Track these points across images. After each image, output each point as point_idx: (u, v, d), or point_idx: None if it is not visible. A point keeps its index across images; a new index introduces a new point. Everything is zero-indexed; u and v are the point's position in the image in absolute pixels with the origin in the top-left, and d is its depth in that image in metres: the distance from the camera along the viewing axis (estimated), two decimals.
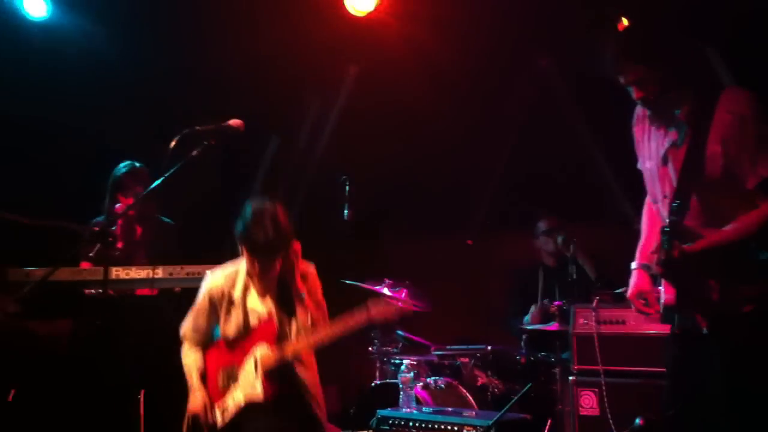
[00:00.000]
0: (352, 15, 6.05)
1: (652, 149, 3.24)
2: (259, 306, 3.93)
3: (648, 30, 3.14)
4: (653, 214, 3.39)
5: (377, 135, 6.70)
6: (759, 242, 2.99)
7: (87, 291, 4.48)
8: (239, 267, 3.99)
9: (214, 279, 3.98)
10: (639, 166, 3.42)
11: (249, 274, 3.93)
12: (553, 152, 6.45)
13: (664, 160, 3.15)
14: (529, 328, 5.32)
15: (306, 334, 3.84)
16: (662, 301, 3.14)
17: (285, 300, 3.94)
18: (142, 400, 4.26)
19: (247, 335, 3.90)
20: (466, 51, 6.17)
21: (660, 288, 3.18)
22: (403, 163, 6.88)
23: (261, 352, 3.82)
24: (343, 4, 5.99)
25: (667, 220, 3.07)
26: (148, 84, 6.38)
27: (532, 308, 6.02)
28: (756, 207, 2.97)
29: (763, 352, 2.98)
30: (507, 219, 7.09)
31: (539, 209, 6.23)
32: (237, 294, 3.94)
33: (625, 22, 5.32)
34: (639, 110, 3.37)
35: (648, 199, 3.44)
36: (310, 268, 4.07)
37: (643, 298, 3.27)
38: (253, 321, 3.91)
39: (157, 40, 6.26)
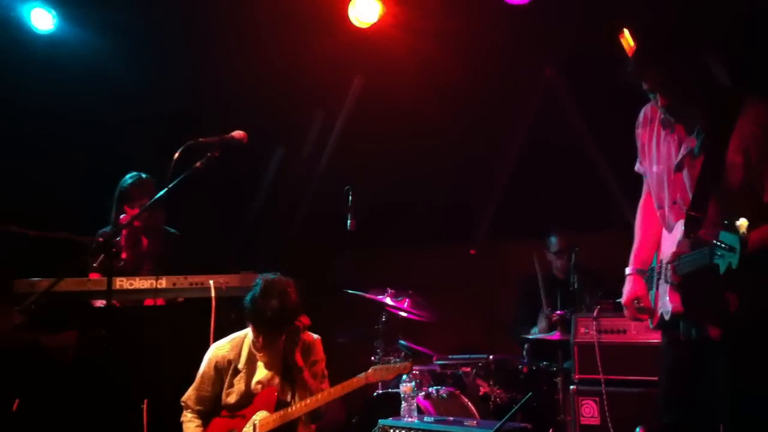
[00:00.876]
0: (356, 27, 6.11)
1: (662, 153, 3.22)
2: (262, 376, 4.05)
3: (672, 35, 3.07)
4: (649, 219, 3.38)
5: (381, 145, 6.74)
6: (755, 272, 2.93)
7: (95, 302, 4.51)
8: (245, 337, 4.11)
9: (220, 348, 4.11)
10: (637, 168, 3.41)
11: (254, 345, 4.05)
12: (557, 161, 6.47)
13: (679, 167, 3.13)
14: (531, 337, 5.33)
15: (304, 403, 3.95)
16: (668, 309, 3.11)
17: (287, 371, 4.06)
18: (145, 410, 4.28)
19: (249, 403, 4.03)
20: (469, 61, 6.21)
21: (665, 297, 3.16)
22: (407, 173, 6.91)
23: (260, 417, 3.94)
24: (347, 16, 6.04)
25: (683, 228, 3.04)
26: (154, 97, 6.43)
27: (541, 319, 6.04)
28: None
29: (764, 361, 2.97)
30: (511, 229, 7.11)
31: (554, 225, 6.22)
32: (242, 363, 4.07)
33: (627, 35, 5.35)
34: (645, 112, 3.35)
35: (642, 203, 3.44)
36: (315, 340, 4.21)
37: (639, 305, 3.27)
38: (256, 389, 4.04)
39: (162, 53, 6.32)
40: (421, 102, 6.46)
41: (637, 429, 4.09)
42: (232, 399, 4.06)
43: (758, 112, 2.99)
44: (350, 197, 5.62)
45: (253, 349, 4.06)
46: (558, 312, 5.10)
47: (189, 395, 4.14)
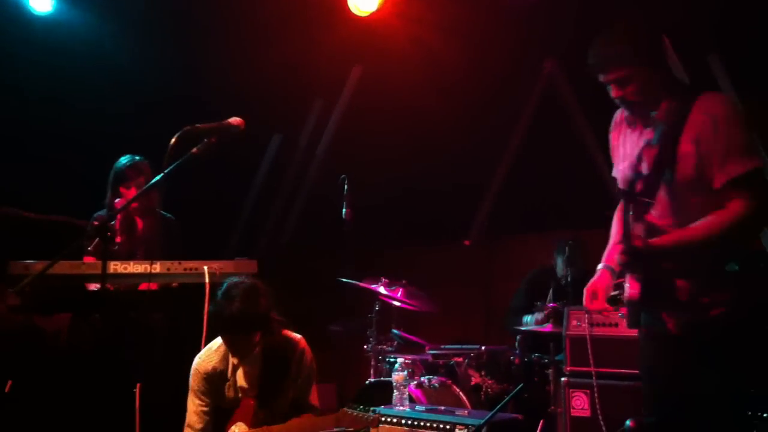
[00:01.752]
0: (356, 15, 6.10)
1: (627, 151, 3.30)
2: (241, 384, 3.93)
3: (632, 31, 3.15)
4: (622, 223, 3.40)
5: (380, 136, 6.74)
6: (728, 251, 3.04)
7: (89, 285, 4.52)
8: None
9: (206, 361, 3.96)
10: (614, 173, 3.46)
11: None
12: (557, 155, 6.48)
13: (639, 160, 3.19)
14: (523, 329, 5.35)
15: (282, 424, 3.79)
16: (626, 294, 3.16)
17: (266, 381, 3.91)
18: (138, 394, 4.29)
19: (232, 411, 3.91)
20: (469, 51, 6.21)
21: (625, 284, 3.20)
22: (406, 162, 6.91)
23: (239, 430, 3.83)
24: (347, 5, 6.03)
25: (631, 213, 3.11)
26: (153, 82, 6.43)
27: (537, 313, 6.06)
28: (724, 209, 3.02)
29: (729, 355, 3.03)
30: (509, 223, 7.12)
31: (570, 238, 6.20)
32: (230, 371, 3.95)
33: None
34: (617, 116, 3.43)
35: (619, 207, 3.48)
36: (297, 345, 4.02)
37: (594, 296, 3.32)
38: (238, 396, 3.92)
39: (162, 37, 6.31)
40: (420, 93, 6.47)
41: (627, 422, 4.11)
42: (222, 405, 3.96)
43: (709, 102, 3.07)
44: (345, 186, 5.63)
45: (231, 356, 3.94)
46: (551, 305, 5.11)
47: (191, 419, 3.96)
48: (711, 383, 3.03)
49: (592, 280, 3.39)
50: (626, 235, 3.05)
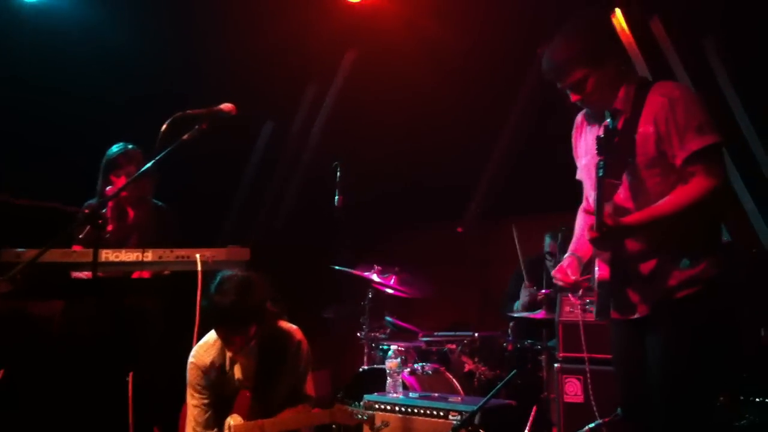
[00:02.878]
0: (349, 0, 6.06)
1: (588, 145, 3.36)
2: (239, 376, 3.93)
3: (576, 34, 3.23)
4: (587, 218, 3.48)
5: (374, 121, 6.72)
6: (696, 231, 3.08)
7: (75, 274, 4.49)
8: None
9: (203, 355, 3.94)
10: (577, 174, 3.53)
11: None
12: (553, 138, 6.45)
13: (599, 150, 3.22)
14: (516, 315, 5.36)
15: (278, 421, 3.77)
16: (595, 277, 3.20)
17: (263, 372, 3.89)
18: (130, 382, 4.28)
19: (230, 403, 3.89)
20: (464, 35, 6.17)
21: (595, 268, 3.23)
22: (400, 146, 6.89)
23: (234, 422, 3.83)
24: None
25: (595, 193, 3.14)
26: (145, 69, 6.38)
27: (524, 294, 6.04)
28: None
29: (699, 337, 3.05)
30: (504, 207, 7.11)
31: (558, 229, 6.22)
32: (226, 362, 3.94)
33: (618, 15, 5.34)
34: (578, 119, 3.51)
35: (583, 204, 3.56)
36: (293, 335, 4.00)
37: (565, 273, 3.37)
38: (236, 388, 3.91)
39: (154, 24, 6.25)
40: (415, 77, 6.44)
41: (620, 408, 4.12)
42: (221, 397, 3.94)
43: (665, 86, 3.17)
44: (338, 173, 5.61)
45: (226, 349, 3.92)
46: (543, 291, 5.12)
47: (193, 414, 3.93)
48: (682, 366, 3.05)
49: (561, 263, 3.44)
50: (598, 212, 3.06)
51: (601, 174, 3.07)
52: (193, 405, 3.94)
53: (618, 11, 5.44)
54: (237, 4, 6.06)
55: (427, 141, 6.89)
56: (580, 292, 4.35)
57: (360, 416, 3.73)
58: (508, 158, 7.14)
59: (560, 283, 3.41)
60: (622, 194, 3.18)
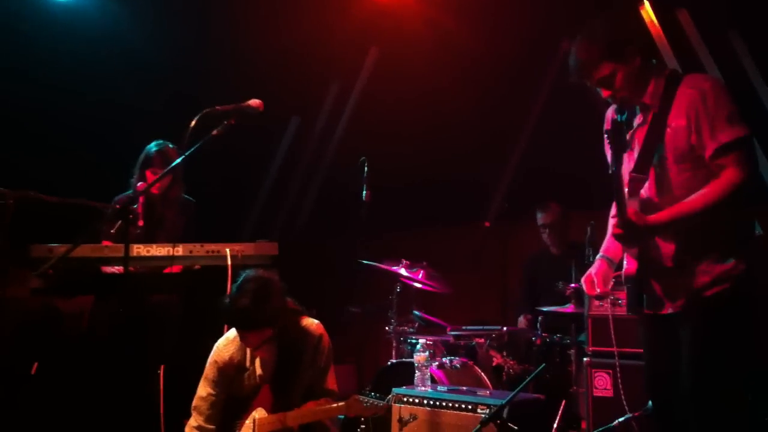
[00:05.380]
0: None
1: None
2: (260, 372, 3.97)
3: (599, 30, 3.22)
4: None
5: (397, 117, 6.71)
6: (727, 227, 3.05)
7: (105, 269, 4.53)
8: None
9: (224, 350, 4.01)
10: (611, 170, 3.48)
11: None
12: (574, 136, 6.42)
13: (629, 144, 3.23)
14: (545, 309, 5.34)
15: (299, 414, 3.82)
16: (623, 271, 3.19)
17: (284, 367, 3.94)
18: (162, 376, 4.31)
19: (252, 398, 3.94)
20: (485, 32, 6.16)
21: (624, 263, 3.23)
22: (422, 144, 6.89)
23: (259, 415, 3.88)
24: None
25: (626, 189, 3.14)
26: (173, 67, 6.43)
27: (520, 318, 6.09)
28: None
29: (727, 335, 3.03)
30: (526, 206, 7.08)
31: (540, 202, 6.23)
32: (248, 361, 3.99)
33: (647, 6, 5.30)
34: (608, 113, 3.47)
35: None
36: (315, 330, 4.03)
37: (592, 282, 3.34)
38: (257, 384, 3.96)
39: (181, 22, 6.29)
40: (437, 74, 6.44)
41: (650, 402, 4.10)
42: (236, 392, 4.00)
43: (695, 78, 3.16)
44: (365, 168, 5.62)
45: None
46: (573, 285, 5.09)
47: (198, 403, 4.01)
48: (713, 363, 3.03)
49: (590, 269, 3.42)
50: (620, 208, 3.05)
51: (614, 169, 3.07)
52: (201, 396, 4.01)
53: (646, 3, 5.40)
54: (262, 3, 6.09)
55: (448, 139, 6.88)
56: (610, 298, 4.37)
57: (366, 404, 3.77)
58: (529, 156, 7.12)
59: (589, 294, 3.40)
60: (651, 189, 3.16)
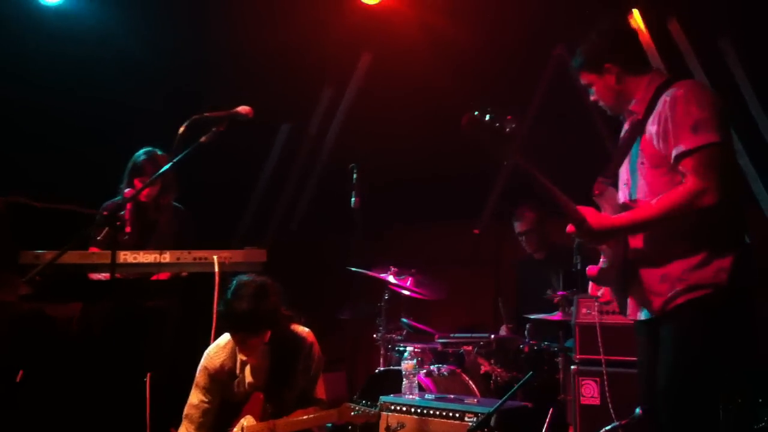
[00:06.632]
0: (365, 2, 6.07)
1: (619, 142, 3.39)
2: (250, 379, 3.98)
3: (587, 41, 3.32)
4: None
5: (389, 122, 6.71)
6: (707, 231, 3.03)
7: (92, 275, 4.52)
8: None
9: (215, 357, 4.01)
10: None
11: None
12: (569, 141, 6.44)
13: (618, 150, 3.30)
14: (532, 317, 5.34)
15: (288, 421, 3.83)
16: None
17: (274, 376, 3.95)
18: (148, 383, 4.31)
19: (241, 405, 3.95)
20: (479, 37, 6.16)
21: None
22: (414, 148, 6.88)
23: (247, 422, 3.88)
24: None
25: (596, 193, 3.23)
26: (163, 71, 6.42)
27: (502, 327, 6.09)
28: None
29: (715, 337, 3.03)
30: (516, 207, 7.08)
31: (513, 208, 6.24)
32: (239, 368, 3.99)
33: (636, 16, 5.33)
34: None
35: None
36: (305, 339, 4.05)
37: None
38: (247, 391, 3.97)
39: (172, 27, 6.28)
40: (430, 79, 6.43)
41: (637, 410, 4.10)
42: (227, 398, 4.01)
43: (676, 85, 3.13)
44: (355, 175, 5.63)
45: (238, 352, 3.98)
46: (560, 292, 5.10)
47: (190, 411, 4.00)
48: (685, 369, 3.04)
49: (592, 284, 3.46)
50: (572, 211, 3.07)
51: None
52: (193, 404, 4.00)
53: (636, 12, 5.42)
54: (253, 6, 6.08)
55: (441, 144, 6.87)
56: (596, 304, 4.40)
57: (357, 412, 3.77)
58: (523, 158, 7.11)
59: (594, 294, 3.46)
60: (630, 193, 3.20)
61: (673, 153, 3.01)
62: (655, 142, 3.09)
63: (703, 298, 3.00)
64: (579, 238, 3.11)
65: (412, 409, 4.41)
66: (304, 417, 3.82)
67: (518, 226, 6.12)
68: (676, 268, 3.05)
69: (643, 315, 3.19)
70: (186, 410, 4.02)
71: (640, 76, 3.25)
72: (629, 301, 3.25)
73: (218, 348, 4.03)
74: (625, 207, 3.18)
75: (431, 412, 4.33)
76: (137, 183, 4.87)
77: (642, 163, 3.15)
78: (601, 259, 3.26)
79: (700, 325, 3.02)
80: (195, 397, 4.01)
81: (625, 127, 3.33)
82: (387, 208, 6.70)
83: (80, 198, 4.88)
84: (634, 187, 3.20)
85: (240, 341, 3.85)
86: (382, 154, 6.51)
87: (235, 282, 3.85)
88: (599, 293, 3.44)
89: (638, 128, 3.17)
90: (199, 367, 4.03)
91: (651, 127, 3.11)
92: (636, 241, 3.15)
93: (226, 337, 4.01)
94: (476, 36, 6.15)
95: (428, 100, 6.63)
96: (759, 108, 5.85)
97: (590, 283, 3.45)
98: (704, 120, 2.99)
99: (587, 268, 3.26)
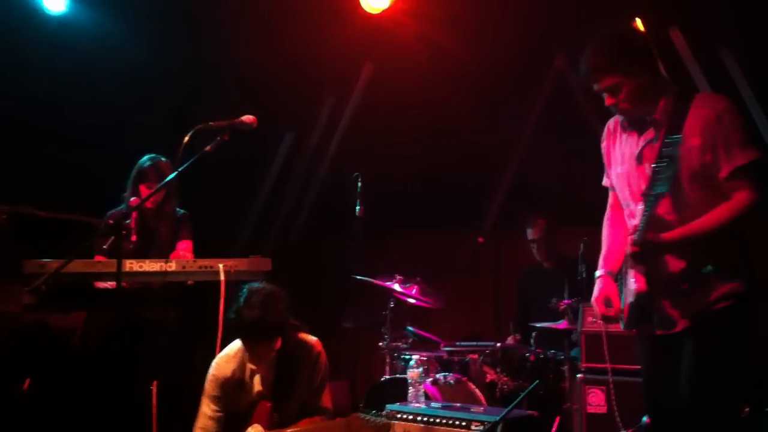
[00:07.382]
0: (368, 13, 6.08)
1: (625, 154, 3.35)
2: (258, 388, 3.96)
3: (616, 39, 3.23)
4: (616, 226, 3.50)
5: (391, 132, 6.73)
6: (720, 261, 3.09)
7: (97, 284, 4.51)
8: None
9: (224, 367, 3.98)
10: (605, 182, 3.55)
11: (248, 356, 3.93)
12: (568, 151, 6.45)
13: (639, 159, 3.26)
14: (538, 325, 5.34)
15: (295, 426, 3.81)
16: (632, 289, 3.21)
17: (281, 385, 3.94)
18: (155, 392, 4.29)
19: (249, 415, 3.92)
20: (479, 47, 6.19)
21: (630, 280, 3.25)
22: (417, 159, 6.90)
23: (255, 431, 3.85)
24: (358, 2, 6.02)
25: (640, 207, 3.17)
26: (166, 81, 6.43)
27: (509, 338, 6.09)
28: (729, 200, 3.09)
29: (732, 350, 3.08)
30: (518, 216, 7.08)
31: (526, 215, 6.23)
32: (247, 376, 3.98)
33: (638, 24, 5.34)
34: (610, 124, 3.49)
35: (607, 215, 3.57)
36: (313, 348, 4.05)
37: (608, 303, 3.35)
38: (254, 400, 3.94)
39: (175, 37, 6.31)
40: (431, 89, 6.46)
41: (644, 418, 4.09)
42: (234, 408, 3.98)
43: (709, 98, 3.24)
44: (359, 184, 5.63)
45: (248, 361, 3.95)
46: (565, 301, 5.10)
47: (204, 423, 3.95)
48: (720, 378, 3.05)
49: (599, 288, 3.41)
50: (644, 227, 3.08)
51: (664, 189, 3.05)
52: (207, 415, 3.96)
53: (638, 21, 5.43)
54: (257, 18, 6.10)
55: (443, 154, 6.90)
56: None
57: (376, 423, 3.74)
58: (524, 170, 7.14)
59: (603, 317, 3.41)
60: (663, 207, 3.17)
61: (726, 168, 3.07)
62: (696, 156, 3.09)
63: (732, 307, 3.06)
64: (643, 254, 3.12)
65: (418, 418, 4.37)
66: (314, 426, 3.79)
67: (531, 233, 6.11)
68: (707, 279, 3.10)
69: (674, 328, 3.19)
70: (200, 422, 3.96)
71: (662, 84, 3.26)
72: (658, 314, 3.23)
73: (228, 357, 4.01)
74: (660, 220, 3.16)
75: (437, 420, 4.30)
76: (142, 189, 4.87)
77: (678, 177, 3.10)
78: (632, 274, 3.23)
79: (728, 334, 3.08)
80: (208, 408, 3.96)
81: (648, 135, 3.25)
82: (388, 216, 6.69)
83: (81, 208, 4.87)
84: (669, 200, 3.16)
85: (252, 349, 3.84)
86: (382, 163, 6.52)
87: (245, 290, 3.82)
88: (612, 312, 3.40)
89: (664, 137, 3.14)
90: (209, 377, 3.98)
91: (691, 141, 3.09)
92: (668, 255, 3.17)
93: (234, 346, 4.00)
94: (476, 47, 6.18)
95: (428, 113, 6.65)
96: (761, 114, 5.86)
97: (599, 303, 3.39)
98: (750, 136, 3.11)
99: (636, 286, 3.21)
